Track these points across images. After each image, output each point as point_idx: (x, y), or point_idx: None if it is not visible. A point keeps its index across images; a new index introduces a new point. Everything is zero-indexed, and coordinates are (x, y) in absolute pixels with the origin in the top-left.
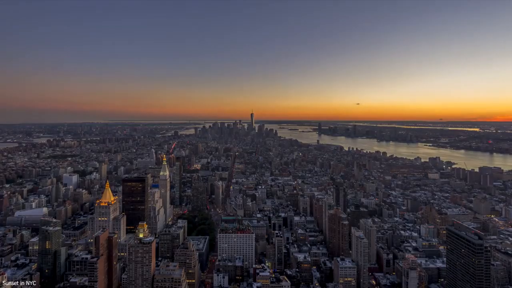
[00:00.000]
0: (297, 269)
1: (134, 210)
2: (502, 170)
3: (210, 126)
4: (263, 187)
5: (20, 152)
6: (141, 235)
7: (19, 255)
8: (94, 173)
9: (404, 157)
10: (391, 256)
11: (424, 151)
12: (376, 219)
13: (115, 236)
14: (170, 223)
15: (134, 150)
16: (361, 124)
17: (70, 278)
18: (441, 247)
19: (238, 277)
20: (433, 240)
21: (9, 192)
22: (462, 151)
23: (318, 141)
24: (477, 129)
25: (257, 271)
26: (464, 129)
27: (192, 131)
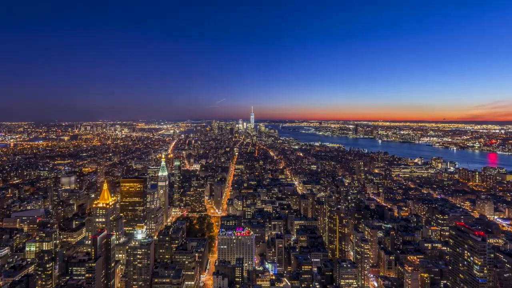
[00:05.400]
0: (297, 271)
1: (133, 211)
2: (506, 170)
3: (210, 126)
4: (263, 188)
5: (17, 152)
6: (139, 237)
7: (16, 256)
8: (92, 173)
9: (406, 157)
10: (392, 257)
11: (426, 151)
12: (377, 220)
13: (113, 237)
14: (169, 224)
15: (133, 150)
16: (363, 123)
17: (68, 280)
18: (444, 248)
19: (237, 279)
20: (436, 241)
21: (5, 193)
22: (466, 150)
23: (319, 140)
24: (480, 129)
25: (257, 273)
26: (467, 128)
27: (191, 131)
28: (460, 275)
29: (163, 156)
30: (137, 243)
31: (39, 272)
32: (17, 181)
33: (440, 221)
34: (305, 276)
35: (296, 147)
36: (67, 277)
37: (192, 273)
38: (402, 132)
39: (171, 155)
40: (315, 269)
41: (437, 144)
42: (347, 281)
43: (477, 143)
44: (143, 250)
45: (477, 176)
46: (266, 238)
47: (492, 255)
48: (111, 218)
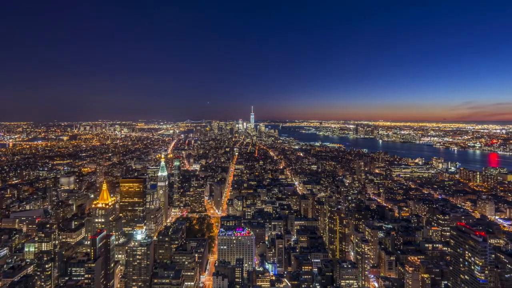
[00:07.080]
0: (297, 271)
1: (132, 211)
2: (507, 170)
3: (209, 126)
4: (263, 188)
5: (16, 152)
6: (139, 237)
7: (15, 257)
8: (92, 174)
9: (407, 157)
10: (393, 258)
11: (427, 151)
12: (378, 220)
13: (113, 237)
14: (168, 224)
15: (133, 150)
16: (363, 123)
17: (67, 281)
18: (445, 249)
19: (237, 280)
20: (436, 241)
21: (4, 193)
22: (466, 150)
23: (319, 140)
24: (481, 129)
25: (257, 273)
26: (468, 128)
27: (191, 131)
28: (461, 275)
29: (162, 156)
30: (136, 243)
31: (38, 273)
32: (16, 181)
33: (441, 222)
34: (305, 276)
35: (296, 147)
36: (66, 278)
37: (192, 273)
38: (402, 132)
39: (171, 155)
40: (316, 269)
41: (438, 144)
42: (348, 281)
43: (478, 143)
44: (142, 250)
45: (478, 176)
46: (266, 238)
47: (493, 255)
48: (110, 218)
